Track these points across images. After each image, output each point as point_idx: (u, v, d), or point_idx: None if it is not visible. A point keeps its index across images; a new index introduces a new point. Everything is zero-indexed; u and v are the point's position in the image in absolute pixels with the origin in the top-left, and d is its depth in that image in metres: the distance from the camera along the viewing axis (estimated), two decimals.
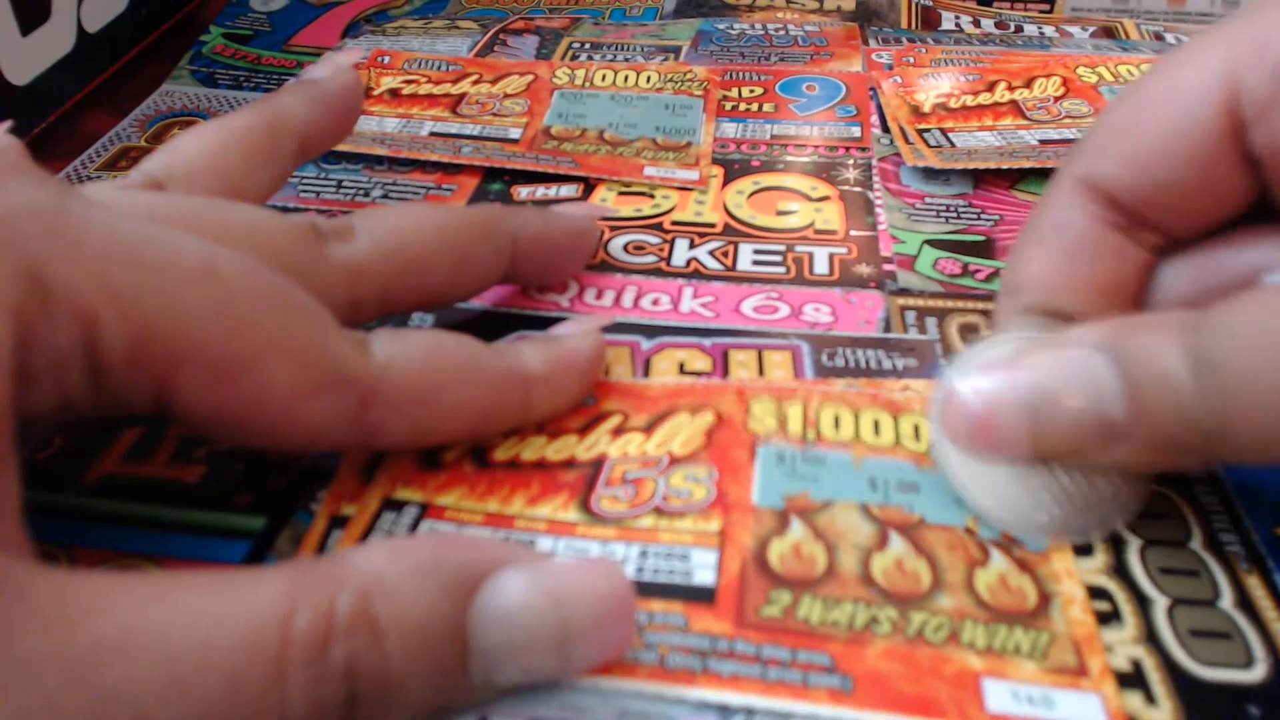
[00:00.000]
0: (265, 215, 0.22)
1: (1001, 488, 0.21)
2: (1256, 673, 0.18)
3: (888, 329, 0.27)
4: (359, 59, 0.28)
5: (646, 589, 0.20)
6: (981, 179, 0.34)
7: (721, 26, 0.46)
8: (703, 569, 0.20)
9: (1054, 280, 0.22)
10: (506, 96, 0.39)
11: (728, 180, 0.34)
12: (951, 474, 0.21)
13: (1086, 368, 0.19)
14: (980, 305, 0.28)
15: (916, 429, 0.23)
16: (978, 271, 0.29)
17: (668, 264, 0.30)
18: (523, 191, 0.33)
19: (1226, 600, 0.20)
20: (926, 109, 0.38)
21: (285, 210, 0.31)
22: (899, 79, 0.40)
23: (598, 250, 0.30)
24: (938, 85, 0.39)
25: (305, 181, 0.33)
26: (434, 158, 0.34)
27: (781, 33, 0.45)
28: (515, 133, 0.36)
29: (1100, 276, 0.22)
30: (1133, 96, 0.22)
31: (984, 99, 0.38)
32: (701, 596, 0.19)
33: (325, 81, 0.27)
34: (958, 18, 0.48)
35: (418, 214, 0.24)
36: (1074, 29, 0.46)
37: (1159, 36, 0.45)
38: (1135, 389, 0.19)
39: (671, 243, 0.31)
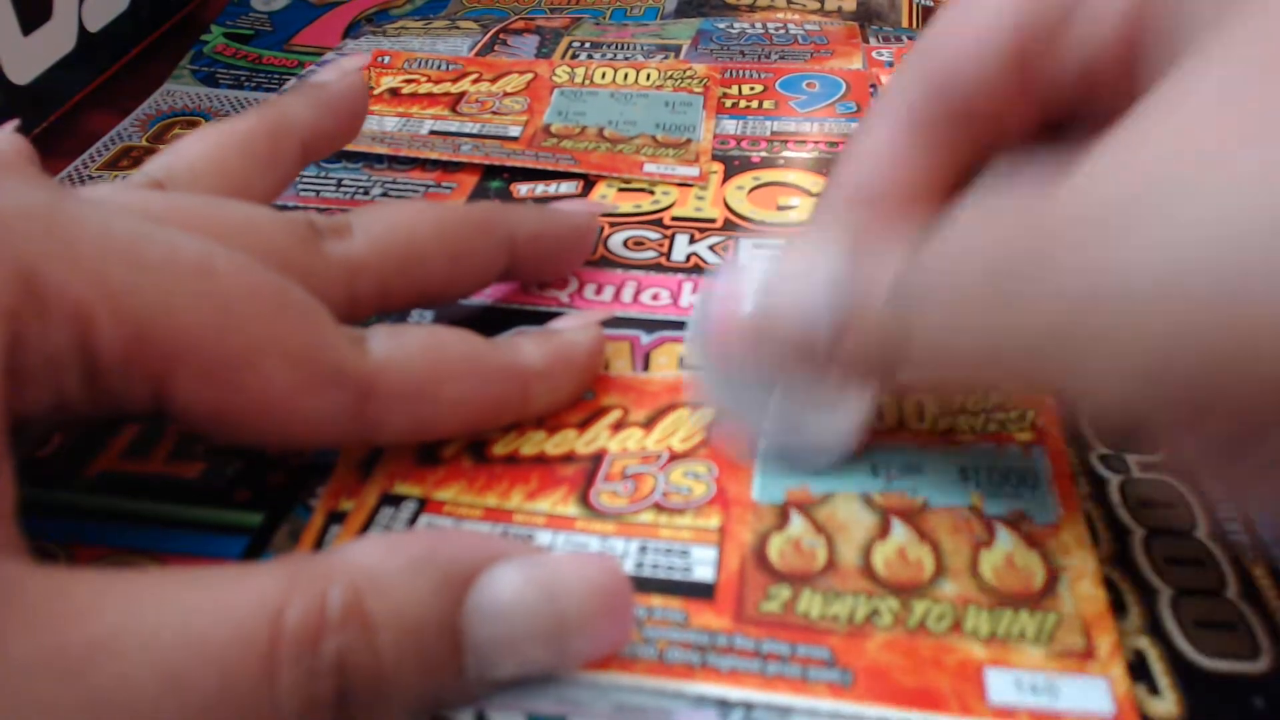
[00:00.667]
0: (262, 213, 0.22)
1: (751, 399, 0.21)
2: (1261, 663, 0.18)
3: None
4: (363, 63, 0.28)
5: (646, 584, 0.20)
6: None
7: (722, 26, 0.46)
8: (702, 565, 0.20)
9: (879, 162, 0.22)
10: (506, 94, 0.39)
11: (728, 176, 0.34)
12: (702, 371, 0.22)
13: (815, 270, 0.19)
14: None
15: (921, 409, 0.23)
16: None
17: (667, 259, 0.30)
18: (522, 189, 0.33)
19: (1231, 590, 0.19)
20: None
21: (284, 209, 0.31)
22: None
23: (597, 247, 0.30)
24: None
25: (305, 180, 0.33)
26: (434, 156, 0.34)
27: (782, 32, 0.45)
28: (515, 130, 0.36)
29: (917, 167, 0.21)
30: (939, 21, 0.22)
31: None
32: (701, 592, 0.19)
33: (329, 85, 0.27)
34: None
35: (415, 211, 0.24)
36: None
37: None
38: (840, 300, 0.19)
39: (671, 238, 0.31)
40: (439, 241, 0.24)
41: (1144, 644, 0.18)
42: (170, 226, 0.19)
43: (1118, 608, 0.19)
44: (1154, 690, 0.18)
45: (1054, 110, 0.20)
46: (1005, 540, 0.20)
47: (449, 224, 0.24)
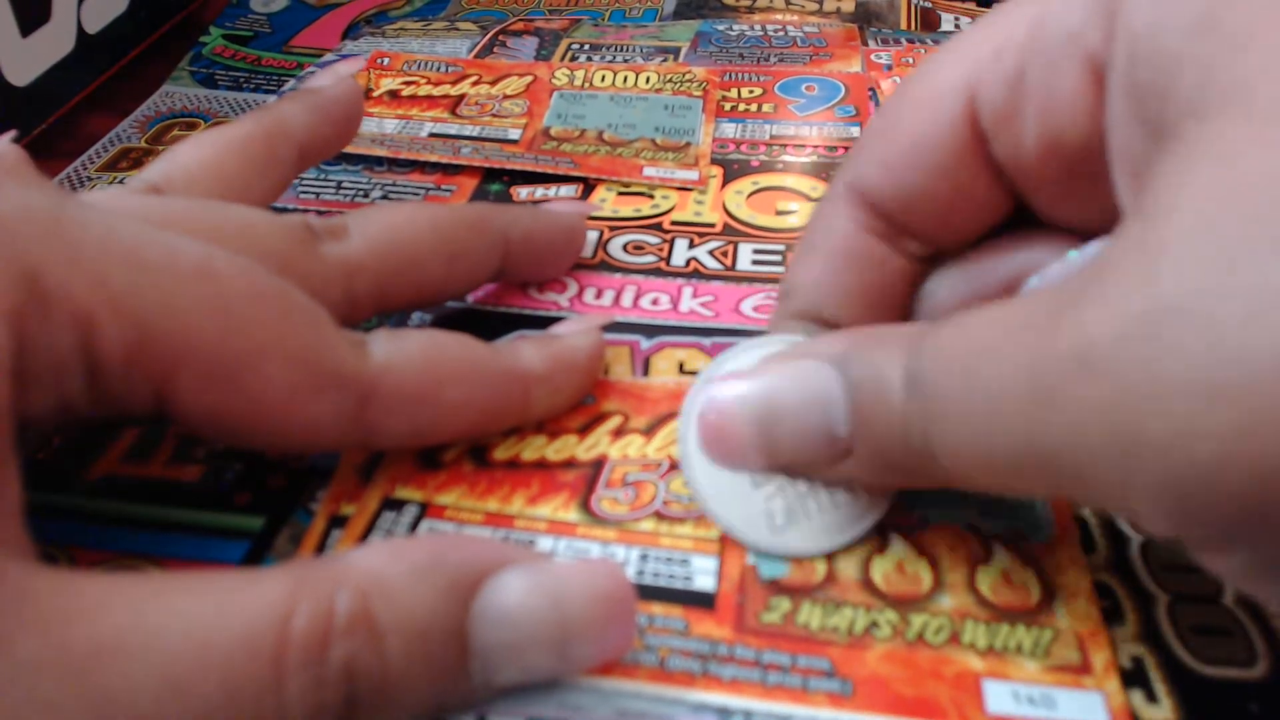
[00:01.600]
0: (259, 215, 0.22)
1: (738, 496, 0.20)
2: (1258, 670, 0.18)
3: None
4: (358, 68, 0.28)
5: (647, 592, 0.20)
6: None
7: (721, 28, 0.46)
8: (703, 575, 0.20)
9: (819, 287, 0.22)
10: (506, 97, 0.39)
11: (727, 180, 0.34)
12: (692, 477, 0.21)
13: (816, 381, 0.19)
14: None
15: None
16: None
17: (667, 264, 0.30)
18: (522, 192, 0.33)
19: (1228, 596, 0.20)
20: None
21: (283, 211, 0.31)
22: (898, 79, 0.40)
23: (596, 251, 0.30)
24: None
25: (305, 182, 0.33)
26: (433, 158, 0.34)
27: (780, 34, 0.45)
28: (514, 133, 0.36)
29: (863, 285, 0.21)
30: (893, 101, 0.21)
31: None
32: (702, 602, 0.19)
33: (326, 90, 0.27)
34: (957, 19, 0.48)
35: (411, 212, 0.24)
36: None
37: None
38: (857, 405, 0.18)
39: (671, 243, 0.31)
40: (435, 242, 0.24)
41: (1141, 651, 0.19)
42: (169, 229, 0.19)
43: (1115, 615, 0.19)
44: (1151, 697, 0.18)
45: (1022, 187, 0.20)
46: (1002, 557, 0.20)
47: (444, 225, 0.24)
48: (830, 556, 0.20)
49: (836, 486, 0.20)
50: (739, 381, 0.20)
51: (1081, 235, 0.20)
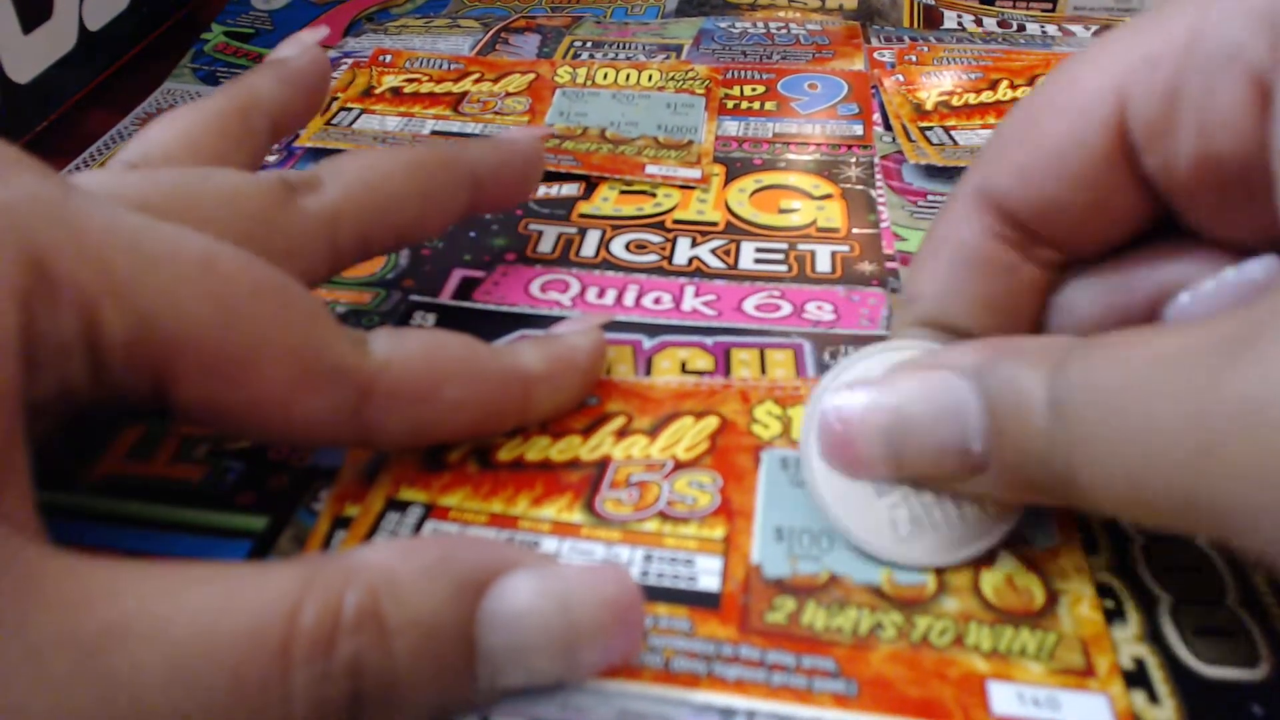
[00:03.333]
0: (240, 178, 0.22)
1: (862, 505, 0.20)
2: (1260, 671, 0.18)
3: (890, 327, 0.27)
4: (322, 35, 0.28)
5: (651, 593, 0.20)
6: None
7: (723, 25, 0.46)
8: (707, 575, 0.20)
9: (945, 294, 0.21)
10: (508, 95, 0.39)
11: (730, 179, 0.34)
12: (814, 485, 0.21)
13: (950, 394, 0.18)
14: None
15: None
16: None
17: (669, 263, 0.30)
18: None
19: (1231, 598, 0.20)
20: (929, 107, 0.38)
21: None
22: (901, 77, 0.40)
23: (597, 250, 0.30)
24: (940, 83, 0.39)
25: None
26: None
27: (783, 31, 0.45)
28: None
29: (991, 293, 0.21)
30: (1029, 105, 0.21)
31: (986, 97, 0.38)
32: (706, 602, 0.19)
33: (293, 60, 0.27)
34: (960, 16, 0.48)
35: (379, 157, 0.24)
36: (1076, 28, 0.46)
37: None
38: (995, 421, 0.18)
39: (673, 241, 0.31)
40: (408, 182, 0.24)
41: (1144, 652, 0.19)
42: (155, 204, 0.19)
43: (1118, 616, 0.19)
44: (1153, 698, 0.18)
45: (1171, 200, 0.19)
46: (1006, 561, 0.20)
47: (414, 164, 0.25)
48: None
49: (963, 498, 0.20)
50: (866, 390, 0.20)
51: (1233, 250, 0.19)
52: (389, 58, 0.41)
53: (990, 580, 0.20)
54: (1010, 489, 0.18)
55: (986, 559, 0.20)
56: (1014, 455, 0.18)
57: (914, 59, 0.42)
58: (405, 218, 0.24)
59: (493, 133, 0.36)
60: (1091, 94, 0.19)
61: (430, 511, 0.21)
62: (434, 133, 0.36)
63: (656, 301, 0.28)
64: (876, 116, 0.38)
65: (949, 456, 0.18)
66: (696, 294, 0.28)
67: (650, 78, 0.40)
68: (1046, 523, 0.21)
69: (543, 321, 0.27)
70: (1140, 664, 0.18)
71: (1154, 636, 0.19)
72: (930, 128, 0.36)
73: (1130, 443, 0.15)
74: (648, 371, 0.25)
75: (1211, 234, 0.19)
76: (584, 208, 0.32)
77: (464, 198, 0.26)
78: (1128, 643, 0.19)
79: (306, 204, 0.22)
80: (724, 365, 0.25)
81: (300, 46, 0.28)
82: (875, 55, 0.43)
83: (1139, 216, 0.20)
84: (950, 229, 0.21)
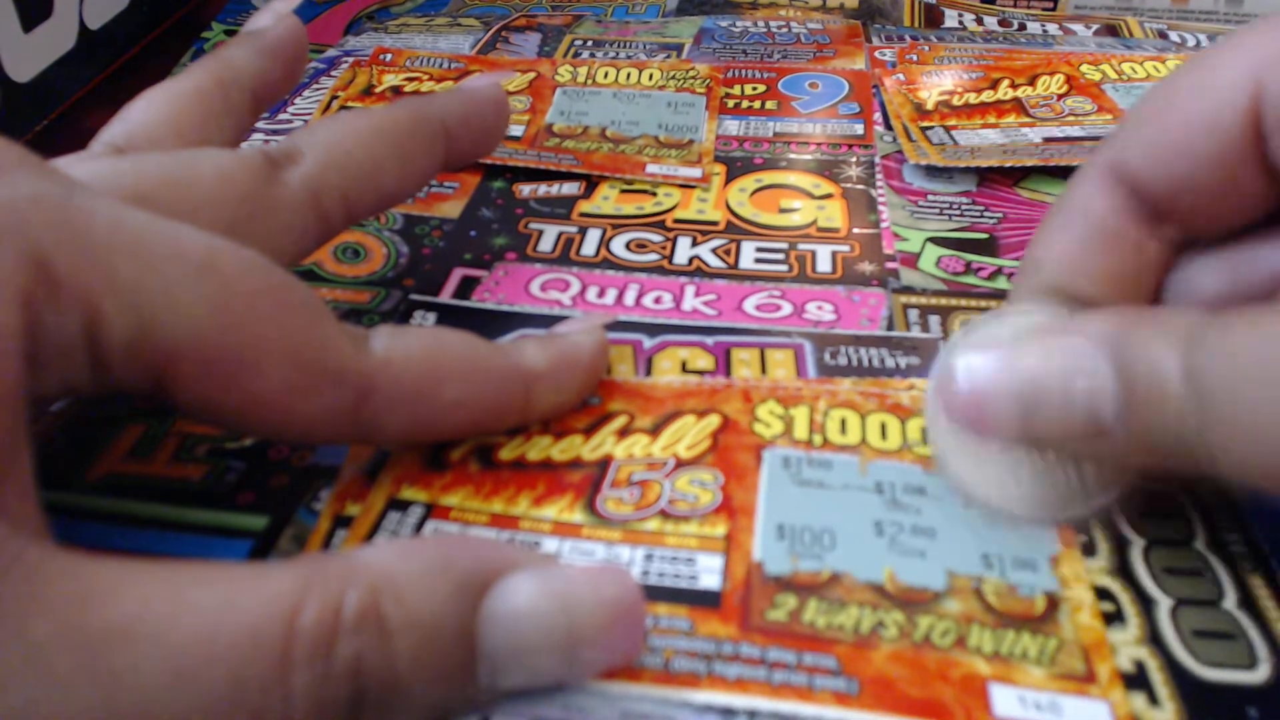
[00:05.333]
0: (227, 161, 0.22)
1: (984, 462, 0.20)
2: (1259, 674, 0.18)
3: (890, 327, 0.27)
4: (298, 3, 0.28)
5: (652, 592, 0.20)
6: (985, 176, 0.34)
7: (724, 24, 0.46)
8: (708, 573, 0.20)
9: (1070, 263, 0.22)
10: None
11: (730, 178, 0.34)
12: (938, 442, 0.21)
13: (1083, 361, 0.18)
14: (983, 303, 0.28)
15: (924, 432, 0.23)
16: (981, 269, 0.29)
17: (670, 262, 0.30)
18: (525, 189, 0.33)
19: (1230, 600, 0.20)
20: (930, 106, 0.38)
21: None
22: (902, 76, 0.40)
23: (598, 249, 0.30)
24: (941, 82, 0.39)
25: None
26: None
27: (784, 30, 0.45)
28: (517, 130, 0.36)
29: (1117, 266, 0.21)
30: (1164, 88, 0.21)
31: (987, 96, 0.38)
32: (707, 601, 0.19)
33: (270, 31, 0.27)
34: (961, 15, 0.48)
35: (351, 121, 0.24)
36: (1077, 27, 0.46)
37: (1162, 34, 0.45)
38: (1127, 390, 0.18)
39: (674, 241, 0.31)
40: (384, 145, 0.24)
41: (1143, 654, 0.19)
42: (149, 194, 0.19)
43: (1117, 618, 0.19)
44: (1154, 701, 0.18)
45: None
46: (1007, 568, 0.20)
47: (387, 126, 0.25)
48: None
49: (1084, 459, 0.20)
50: (997, 353, 0.20)
51: None
52: (389, 56, 0.41)
53: (992, 584, 0.20)
54: (1138, 455, 0.19)
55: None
56: (1145, 423, 0.18)
57: (915, 58, 0.42)
58: (385, 179, 0.24)
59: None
60: (1228, 80, 0.20)
61: (431, 511, 0.21)
62: None
63: (657, 301, 0.28)
64: (877, 116, 0.38)
65: (1079, 422, 0.19)
66: (697, 294, 0.28)
67: (651, 77, 0.40)
68: (1047, 531, 0.21)
69: (543, 321, 0.27)
70: (1140, 666, 0.18)
71: (1154, 639, 0.19)
72: (931, 127, 0.36)
73: (1272, 413, 0.16)
74: (648, 371, 0.25)
75: None
76: (584, 207, 0.32)
77: (439, 152, 0.26)
78: (1128, 645, 0.19)
79: (290, 177, 0.22)
80: (724, 365, 0.25)
81: (275, 16, 0.28)
82: (876, 54, 0.43)
83: (1263, 202, 0.20)
84: (1080, 201, 0.22)
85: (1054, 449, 0.20)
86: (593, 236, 0.31)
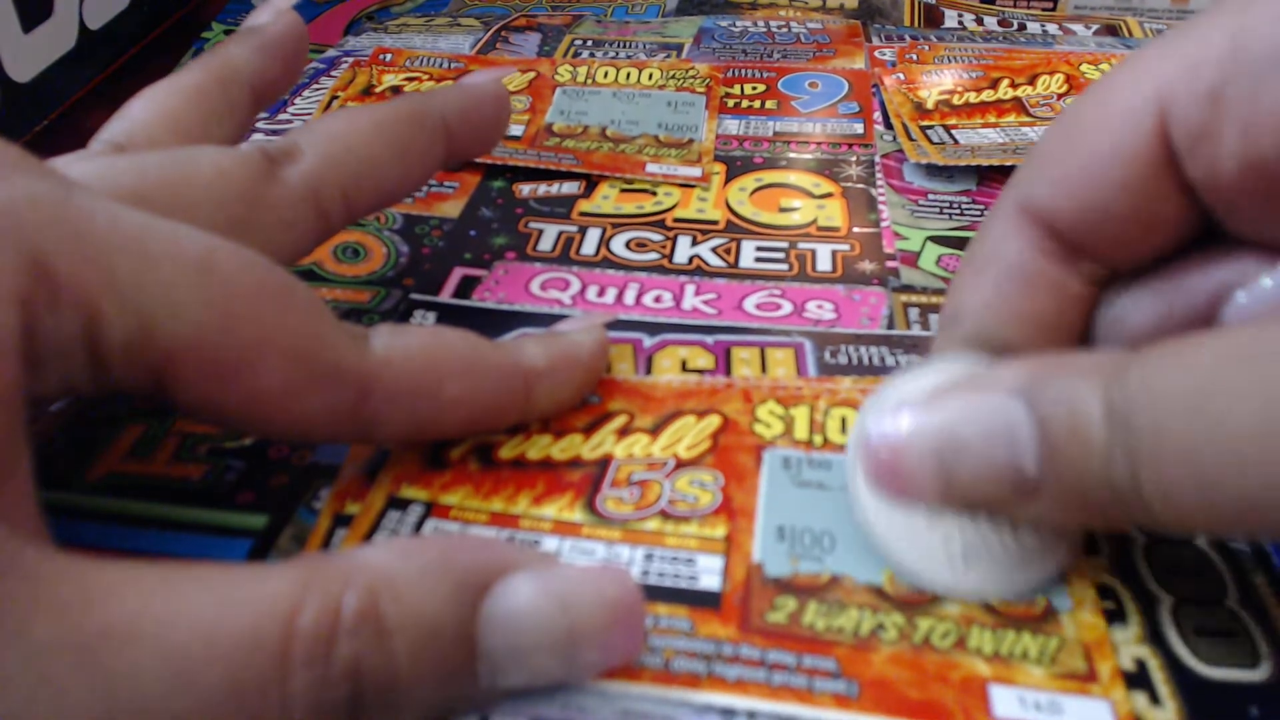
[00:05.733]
0: (225, 159, 0.22)
1: (913, 534, 0.19)
2: (1261, 672, 0.18)
3: (891, 326, 0.27)
4: (296, 0, 0.28)
5: (652, 592, 0.20)
6: (985, 176, 0.34)
7: (724, 24, 0.46)
8: (708, 574, 0.20)
9: (989, 311, 0.21)
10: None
11: (730, 177, 0.34)
12: (863, 514, 0.20)
13: (1000, 413, 0.18)
14: None
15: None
16: None
17: (670, 261, 0.30)
18: (524, 189, 0.33)
19: (1231, 599, 0.20)
20: (930, 105, 0.38)
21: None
22: (902, 75, 0.40)
23: (598, 248, 0.30)
24: (941, 82, 0.39)
25: None
26: None
27: (784, 30, 0.45)
28: (517, 130, 0.36)
29: (1038, 308, 0.21)
30: (1068, 118, 0.20)
31: (987, 96, 0.38)
32: (707, 601, 0.19)
33: (269, 27, 0.27)
34: (960, 15, 0.48)
35: (352, 117, 0.24)
36: (1077, 27, 0.46)
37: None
38: (1049, 439, 0.17)
39: (674, 240, 0.31)
40: (383, 141, 0.24)
41: (1145, 653, 0.19)
42: (147, 194, 0.19)
43: (1119, 616, 0.19)
44: (1155, 699, 0.18)
45: (1215, 206, 0.19)
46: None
47: (387, 123, 0.24)
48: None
49: (1020, 524, 0.19)
50: (912, 413, 0.19)
51: None
52: (389, 56, 0.41)
53: None
54: (1067, 510, 0.18)
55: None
56: (1070, 473, 0.17)
57: (915, 58, 0.42)
58: (386, 176, 0.24)
59: None
60: (1132, 103, 0.19)
61: (431, 510, 0.21)
62: None
63: (657, 300, 0.28)
64: (877, 115, 0.38)
65: (1002, 479, 0.18)
66: (697, 293, 0.28)
67: (651, 76, 0.40)
68: None
69: (543, 320, 0.27)
70: (1141, 665, 0.18)
71: (1155, 637, 0.19)
72: (931, 126, 0.36)
73: (1202, 446, 0.15)
74: (648, 370, 0.25)
75: (1258, 238, 0.19)
76: (584, 206, 0.32)
77: (439, 149, 0.26)
78: (1129, 644, 0.19)
79: (289, 175, 0.22)
80: (724, 364, 0.25)
81: (274, 13, 0.27)
82: (876, 54, 0.42)
83: (1183, 225, 0.20)
84: (992, 245, 0.21)
85: (982, 512, 0.19)
86: (593, 236, 0.31)
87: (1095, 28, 0.46)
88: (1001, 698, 0.18)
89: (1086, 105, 0.20)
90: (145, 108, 0.24)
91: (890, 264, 0.29)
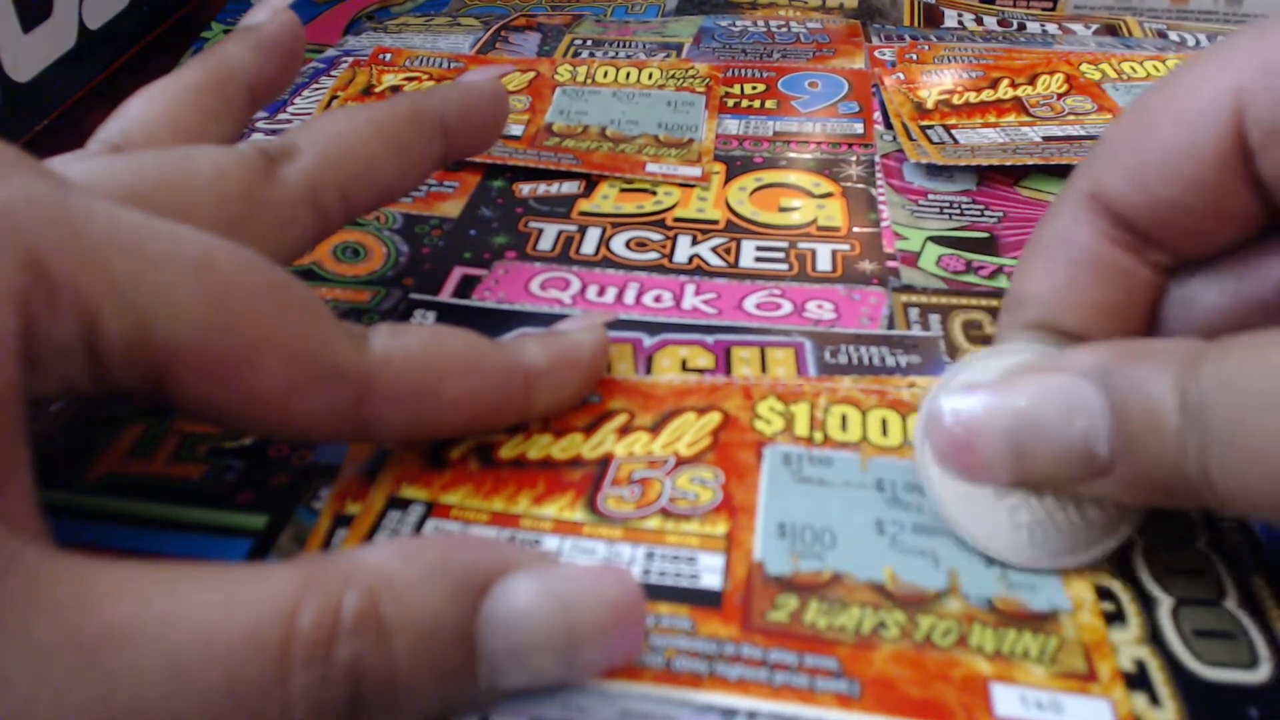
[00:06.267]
0: (223, 158, 0.22)
1: (981, 508, 0.20)
2: (1260, 673, 0.18)
3: (891, 326, 0.27)
4: None
5: (653, 591, 0.20)
6: (985, 175, 0.34)
7: (724, 24, 0.46)
8: (709, 573, 0.20)
9: (1056, 297, 0.21)
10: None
11: (730, 177, 0.34)
12: (931, 489, 0.21)
13: (1074, 397, 0.18)
14: (984, 302, 0.28)
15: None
16: (981, 268, 0.29)
17: (670, 261, 0.30)
18: (524, 188, 0.33)
19: (1231, 600, 0.20)
20: (929, 105, 0.38)
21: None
22: (902, 75, 0.40)
23: (597, 248, 0.30)
24: (941, 81, 0.39)
25: None
26: None
27: (784, 30, 0.45)
28: (517, 129, 0.36)
29: (1104, 296, 0.21)
30: (1140, 109, 0.21)
31: (987, 95, 0.38)
32: (708, 600, 0.19)
33: (266, 26, 0.27)
34: (960, 15, 0.48)
35: (350, 116, 0.24)
36: (1077, 26, 0.46)
37: (1162, 34, 0.45)
38: (1122, 424, 0.17)
39: (674, 239, 0.31)
40: (381, 139, 0.24)
41: (1144, 654, 0.19)
42: (145, 194, 0.19)
43: (1118, 617, 0.19)
44: (1155, 700, 0.18)
45: None
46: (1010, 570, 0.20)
47: (385, 121, 0.24)
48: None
49: (1085, 501, 0.20)
50: (985, 393, 0.19)
51: None
52: (389, 56, 0.41)
53: (992, 583, 0.20)
54: (1135, 491, 0.18)
55: (988, 562, 0.20)
56: (1142, 458, 0.17)
57: (914, 57, 0.42)
58: (383, 174, 0.24)
59: None
60: (1208, 97, 0.19)
61: (431, 510, 0.21)
62: None
63: (657, 299, 0.28)
64: (877, 115, 0.38)
65: (1074, 460, 0.18)
66: (697, 292, 0.28)
67: (650, 76, 0.40)
68: None
69: (543, 319, 0.27)
70: (1141, 666, 0.18)
71: (1154, 638, 0.19)
72: (931, 126, 0.36)
73: (1276, 446, 0.15)
74: (648, 370, 0.25)
75: None
76: (584, 205, 0.32)
77: (437, 148, 0.26)
78: (1129, 645, 0.19)
79: (287, 174, 0.22)
80: (724, 364, 0.25)
81: (271, 11, 0.27)
82: (876, 54, 0.42)
83: (1253, 219, 0.20)
84: (1061, 231, 0.21)
85: (1051, 490, 0.20)
86: (592, 235, 0.31)
87: (1095, 27, 0.46)
88: (1003, 696, 0.18)
89: (1161, 96, 0.20)
90: (143, 107, 0.24)
91: (890, 264, 0.29)
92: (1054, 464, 0.19)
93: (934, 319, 0.27)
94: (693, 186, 0.33)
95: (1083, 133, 0.35)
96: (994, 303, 0.28)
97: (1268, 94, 0.18)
